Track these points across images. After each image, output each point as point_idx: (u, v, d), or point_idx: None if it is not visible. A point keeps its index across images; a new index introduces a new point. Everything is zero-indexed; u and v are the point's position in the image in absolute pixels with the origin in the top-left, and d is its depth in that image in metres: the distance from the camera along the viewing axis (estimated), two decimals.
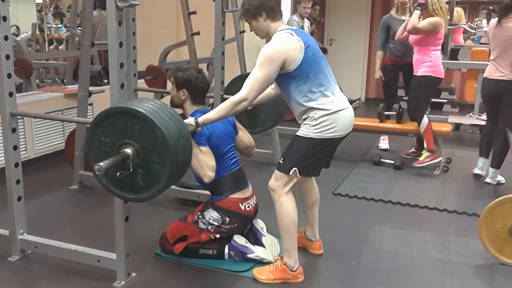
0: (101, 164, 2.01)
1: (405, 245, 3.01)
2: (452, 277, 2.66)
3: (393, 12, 4.93)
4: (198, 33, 4.70)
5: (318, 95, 2.40)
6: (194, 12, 4.71)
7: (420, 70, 4.32)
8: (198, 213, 2.72)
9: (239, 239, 2.71)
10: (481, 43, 7.75)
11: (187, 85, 2.71)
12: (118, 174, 2.08)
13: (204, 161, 2.52)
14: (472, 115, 6.01)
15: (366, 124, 4.80)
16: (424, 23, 4.20)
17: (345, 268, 2.73)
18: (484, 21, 9.55)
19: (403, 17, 4.79)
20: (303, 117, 2.45)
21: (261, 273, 2.55)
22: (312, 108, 2.40)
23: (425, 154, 4.34)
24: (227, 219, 2.68)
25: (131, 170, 2.08)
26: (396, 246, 3.01)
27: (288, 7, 8.09)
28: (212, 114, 2.40)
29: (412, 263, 2.80)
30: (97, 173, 2.04)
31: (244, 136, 2.93)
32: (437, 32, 4.23)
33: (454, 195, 3.93)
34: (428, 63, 4.28)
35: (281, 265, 2.54)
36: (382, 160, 4.65)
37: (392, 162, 4.58)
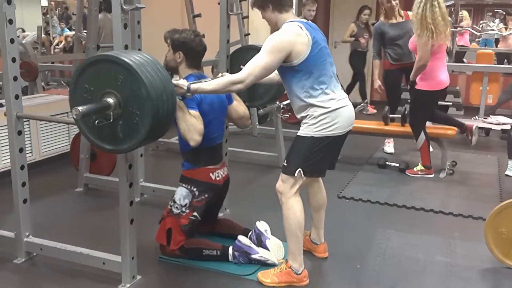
0: (80, 108, 1.99)
1: (410, 249, 3.00)
2: (457, 281, 2.65)
3: (382, 18, 4.87)
4: (203, 36, 4.70)
5: (319, 92, 2.39)
6: (199, 15, 4.72)
7: (418, 82, 4.19)
8: (170, 202, 2.73)
9: (244, 240, 2.71)
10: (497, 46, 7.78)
11: (183, 47, 2.68)
12: (97, 122, 2.08)
13: (192, 124, 2.49)
14: (477, 118, 5.99)
15: (371, 127, 4.79)
16: (419, 52, 4.07)
17: (350, 272, 2.72)
18: (496, 21, 9.48)
19: (394, 21, 4.76)
20: (302, 114, 2.45)
21: (266, 276, 2.55)
22: (312, 105, 2.40)
23: (420, 167, 4.39)
24: (196, 190, 2.68)
25: (111, 120, 2.08)
26: (401, 249, 2.99)
27: (292, 10, 8.11)
28: (205, 85, 2.38)
29: (418, 267, 2.79)
30: (74, 117, 2.02)
31: (239, 106, 2.90)
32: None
33: (460, 198, 3.91)
34: (423, 75, 4.12)
35: (286, 268, 2.53)
36: (387, 163, 4.63)
37: (397, 165, 4.57)
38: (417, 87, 4.19)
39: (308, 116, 2.42)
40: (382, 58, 4.99)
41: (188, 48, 2.68)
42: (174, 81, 2.28)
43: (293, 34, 2.34)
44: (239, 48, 3.71)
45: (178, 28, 2.79)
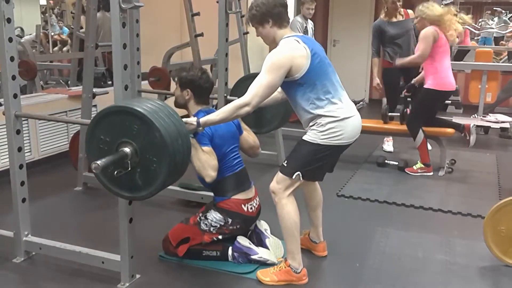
0: (98, 162, 2.02)
1: (409, 247, 3.00)
2: (457, 279, 2.66)
3: (382, 16, 4.86)
4: (201, 35, 4.71)
5: (325, 102, 2.39)
6: (198, 14, 4.72)
7: (427, 82, 4.22)
8: (200, 215, 2.72)
9: (243, 240, 2.71)
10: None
11: (191, 85, 2.72)
12: (116, 172, 2.09)
13: (206, 161, 2.52)
14: (476, 116, 5.99)
15: (369, 125, 4.79)
16: (419, 45, 4.17)
17: (349, 270, 2.72)
18: (495, 19, 9.47)
19: (394, 19, 4.76)
20: (311, 124, 2.44)
21: (265, 275, 2.55)
22: (320, 116, 2.39)
23: (419, 165, 4.38)
24: (230, 220, 2.68)
25: (129, 169, 2.09)
26: (400, 248, 3.00)
27: (291, 8, 8.09)
28: (214, 116, 2.39)
29: (417, 265, 2.79)
30: (94, 171, 2.05)
31: (249, 136, 2.92)
32: (435, 42, 4.12)
33: (459, 196, 3.91)
34: (432, 75, 4.17)
35: (285, 267, 2.53)
36: (386, 161, 4.64)
37: (396, 163, 4.57)
38: (426, 86, 4.19)
39: (316, 124, 2.42)
40: (381, 56, 4.99)
41: (196, 86, 2.72)
42: (183, 119, 2.30)
43: (291, 49, 2.35)
44: (242, 77, 3.72)
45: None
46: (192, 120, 2.41)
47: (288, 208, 2.46)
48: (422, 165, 4.36)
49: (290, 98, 2.49)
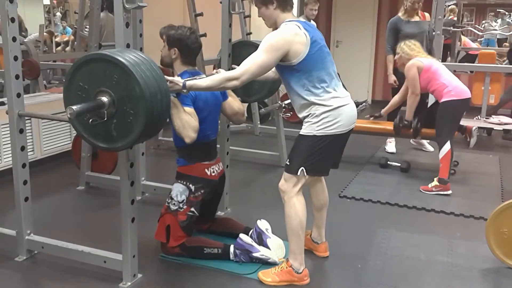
0: (74, 107, 2.01)
1: (411, 249, 3.00)
2: (459, 281, 2.65)
3: (400, 14, 4.88)
4: (204, 35, 4.69)
5: (320, 90, 2.39)
6: (201, 14, 4.71)
7: (444, 97, 4.00)
8: (167, 199, 2.74)
9: (245, 238, 2.71)
10: None
11: (178, 43, 2.69)
12: (90, 121, 2.09)
13: (187, 121, 2.51)
14: (479, 118, 5.97)
15: (372, 126, 4.78)
16: (408, 84, 4.18)
17: (351, 271, 2.72)
18: (499, 21, 9.45)
19: (411, 19, 4.77)
20: (304, 114, 2.45)
21: (267, 275, 2.55)
22: (313, 103, 2.39)
23: (435, 182, 3.99)
24: (192, 187, 2.69)
25: (105, 119, 2.09)
26: (402, 249, 2.99)
27: (294, 8, 8.09)
28: (201, 82, 2.39)
29: (419, 267, 2.78)
30: (68, 116, 2.03)
31: (234, 102, 2.92)
32: (421, 71, 4.07)
33: (461, 198, 3.90)
34: (445, 89, 3.98)
35: (286, 267, 2.53)
36: (388, 162, 4.63)
37: (399, 164, 4.56)
38: (445, 99, 3.97)
39: (310, 115, 2.42)
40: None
41: (183, 45, 2.68)
42: (169, 77, 2.29)
43: (291, 33, 2.34)
44: (236, 42, 3.68)
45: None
46: (178, 80, 2.40)
47: (296, 207, 2.46)
48: (438, 183, 3.96)
49: (285, 82, 2.49)
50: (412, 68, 4.10)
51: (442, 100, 3.99)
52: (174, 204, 2.70)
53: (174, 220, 2.68)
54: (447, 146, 3.94)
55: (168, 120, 2.45)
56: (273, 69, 2.52)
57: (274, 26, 2.48)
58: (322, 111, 2.39)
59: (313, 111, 2.40)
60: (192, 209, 2.70)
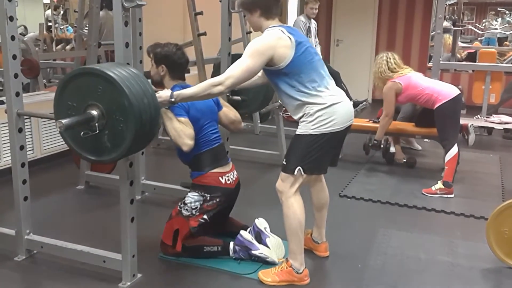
0: (63, 121, 2.04)
1: (412, 248, 2.99)
2: (459, 281, 2.64)
3: None
4: (204, 34, 4.68)
5: (311, 90, 2.40)
6: (201, 13, 4.70)
7: (435, 104, 4.00)
8: (179, 203, 2.73)
9: (246, 235, 2.71)
10: None
11: (165, 60, 2.73)
12: (82, 133, 2.11)
13: (182, 130, 2.52)
14: (480, 117, 5.97)
15: (372, 125, 4.77)
16: (384, 103, 4.20)
17: (351, 271, 2.71)
18: (499, 20, 9.43)
19: None
20: (299, 115, 2.45)
21: (267, 275, 2.54)
22: (307, 103, 2.40)
23: (439, 185, 3.92)
24: (207, 195, 2.68)
25: (97, 131, 2.11)
26: (402, 249, 2.98)
27: (295, 7, 8.08)
28: (187, 90, 2.41)
29: (419, 266, 2.78)
30: (58, 129, 2.07)
31: (229, 111, 2.93)
32: (400, 92, 4.10)
33: (461, 198, 3.89)
34: (433, 96, 4.00)
35: (286, 267, 2.52)
36: (394, 158, 4.67)
37: (405, 160, 4.60)
38: (437, 105, 3.97)
39: (304, 115, 2.42)
40: None
41: (171, 61, 2.74)
42: (157, 89, 2.33)
43: (275, 38, 2.36)
44: (236, 54, 3.71)
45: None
46: (166, 91, 2.42)
47: (294, 207, 2.46)
48: (442, 186, 3.90)
49: (276, 87, 2.50)
50: (390, 92, 4.14)
51: (435, 107, 4.00)
52: (187, 210, 2.69)
53: (185, 225, 2.68)
54: (454, 150, 3.92)
55: (163, 128, 2.51)
56: (260, 73, 2.55)
57: (261, 31, 2.51)
58: (316, 110, 2.39)
59: (308, 111, 2.41)
60: (205, 216, 2.69)
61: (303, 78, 2.38)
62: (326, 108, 2.39)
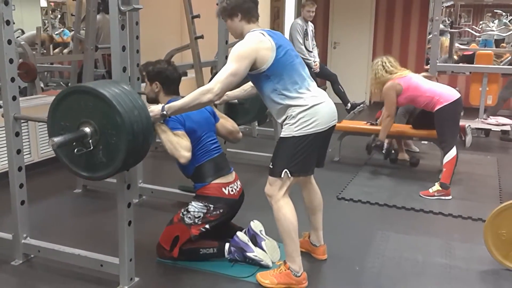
0: (55, 139, 2.06)
1: (409, 250, 2.99)
2: (457, 283, 2.64)
3: None
4: (201, 37, 4.69)
5: (293, 93, 2.42)
6: (198, 16, 4.71)
7: (436, 107, 3.99)
8: (182, 210, 2.72)
9: (242, 236, 2.71)
10: None
11: (158, 77, 2.76)
12: (76, 150, 2.12)
13: (178, 142, 2.53)
14: (485, 119, 5.97)
15: (370, 127, 4.78)
16: (385, 104, 4.20)
17: (349, 274, 2.71)
18: (496, 22, 9.46)
19: None
20: (282, 117, 2.47)
21: (265, 277, 2.54)
22: (289, 106, 2.42)
23: (436, 187, 3.92)
24: (211, 206, 2.68)
25: (91, 148, 2.12)
26: (400, 251, 2.98)
27: (292, 10, 8.09)
28: (177, 101, 2.42)
29: (417, 269, 2.78)
30: (51, 147, 2.09)
31: (227, 122, 2.95)
32: (400, 93, 4.09)
33: (459, 199, 3.90)
34: (434, 98, 3.99)
35: (285, 270, 2.52)
36: (398, 158, 4.69)
37: (408, 159, 4.62)
38: (438, 107, 3.96)
39: (287, 117, 2.44)
40: None
41: (163, 77, 2.77)
42: (148, 108, 2.33)
43: (256, 41, 2.39)
44: None
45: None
46: (158, 106, 2.44)
47: (284, 210, 2.46)
48: (440, 188, 3.90)
49: (259, 90, 2.53)
50: (390, 92, 4.12)
51: (435, 110, 4.00)
52: (189, 218, 2.68)
53: (185, 232, 2.67)
54: (453, 152, 3.92)
55: (157, 140, 2.52)
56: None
57: (241, 37, 2.52)
58: (298, 112, 2.40)
59: (290, 113, 2.42)
60: (207, 226, 2.69)
61: (285, 80, 2.40)
62: (308, 109, 2.40)
